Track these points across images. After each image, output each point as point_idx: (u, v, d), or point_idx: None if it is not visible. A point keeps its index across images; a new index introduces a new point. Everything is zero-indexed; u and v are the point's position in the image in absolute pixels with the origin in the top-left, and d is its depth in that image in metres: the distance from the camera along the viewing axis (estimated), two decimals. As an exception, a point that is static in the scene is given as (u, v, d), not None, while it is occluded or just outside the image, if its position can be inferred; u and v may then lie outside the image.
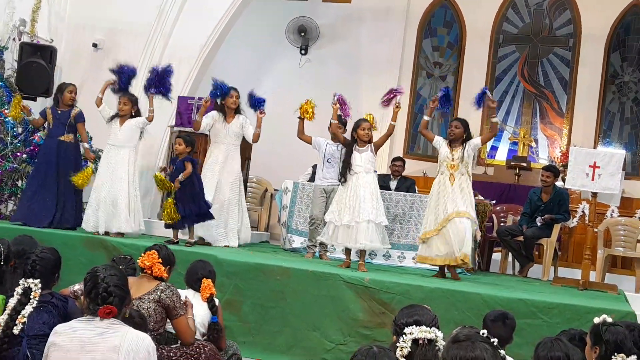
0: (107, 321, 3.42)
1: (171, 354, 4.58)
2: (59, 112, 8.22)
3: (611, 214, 9.57)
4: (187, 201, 7.69)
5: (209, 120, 8.23)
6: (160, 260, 4.68)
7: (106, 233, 7.82)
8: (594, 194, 7.98)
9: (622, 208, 10.03)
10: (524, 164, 12.00)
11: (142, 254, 4.73)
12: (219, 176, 8.17)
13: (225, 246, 8.07)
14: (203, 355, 4.65)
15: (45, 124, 8.38)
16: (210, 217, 7.88)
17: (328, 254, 8.31)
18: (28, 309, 4.11)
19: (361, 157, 7.33)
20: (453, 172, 7.28)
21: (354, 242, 7.19)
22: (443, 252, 7.16)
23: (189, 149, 7.85)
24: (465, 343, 2.93)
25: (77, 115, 8.18)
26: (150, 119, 8.11)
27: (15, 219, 8.18)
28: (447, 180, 7.28)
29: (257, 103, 8.29)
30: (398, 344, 3.40)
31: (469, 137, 7.43)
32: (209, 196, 7.93)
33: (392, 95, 7.72)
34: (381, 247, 7.32)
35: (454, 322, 5.15)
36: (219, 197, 8.13)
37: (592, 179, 7.90)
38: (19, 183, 9.00)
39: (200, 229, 8.06)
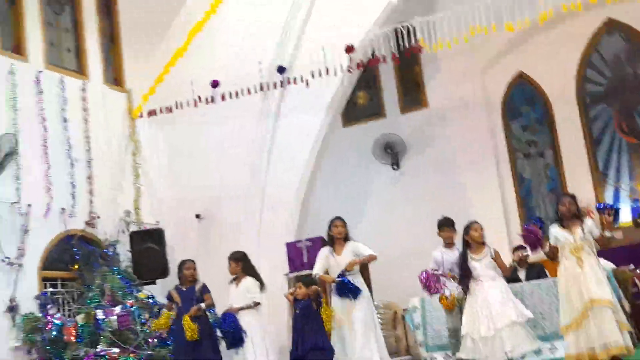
0: None
1: None
2: (184, 289, 8.38)
3: None
4: (311, 339, 7.53)
5: (323, 262, 8.09)
6: None
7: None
8: None
9: None
10: (653, 219, 11.39)
11: None
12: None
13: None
14: None
15: (174, 305, 8.52)
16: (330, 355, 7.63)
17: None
18: None
19: (480, 265, 7.04)
20: (580, 255, 6.79)
21: (502, 354, 6.78)
22: (588, 346, 6.58)
23: (307, 290, 7.81)
24: None
25: (202, 288, 8.33)
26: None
27: None
28: (576, 266, 6.77)
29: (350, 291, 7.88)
30: None
31: (579, 211, 6.94)
32: None
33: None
34: (532, 348, 6.87)
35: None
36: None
37: None
38: (156, 369, 9.10)
39: None
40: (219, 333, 8.59)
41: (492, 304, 6.83)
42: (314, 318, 7.63)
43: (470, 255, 7.19)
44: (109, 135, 10.86)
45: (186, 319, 8.02)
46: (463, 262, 7.17)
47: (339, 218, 8.16)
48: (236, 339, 7.97)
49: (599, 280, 6.68)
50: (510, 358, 6.82)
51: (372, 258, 8.02)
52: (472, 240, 7.18)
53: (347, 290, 7.66)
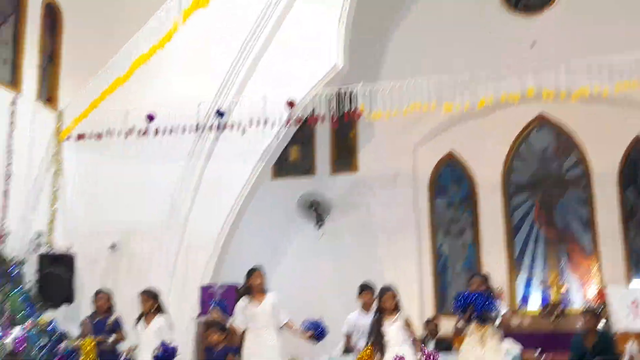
0: None
1: None
2: (95, 321, 8.21)
3: (661, 350, 9.14)
4: None
5: (241, 313, 7.83)
6: None
7: None
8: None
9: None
10: (560, 310, 11.66)
11: None
12: None
13: None
14: None
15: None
16: None
17: None
18: None
19: (391, 330, 7.08)
20: (483, 333, 6.93)
21: None
22: None
23: (223, 337, 7.68)
24: None
25: (113, 323, 8.25)
26: None
27: None
28: (476, 344, 6.91)
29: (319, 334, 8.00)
30: None
31: (490, 291, 7.17)
32: None
33: None
34: None
35: None
36: None
37: (635, 317, 7.67)
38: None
39: None
40: None
41: None
42: None
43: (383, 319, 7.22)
44: (33, 152, 10.56)
45: (91, 345, 7.76)
46: (376, 326, 7.17)
47: (259, 269, 8.04)
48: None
49: None
50: None
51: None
52: (385, 307, 7.23)
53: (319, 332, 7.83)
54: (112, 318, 8.21)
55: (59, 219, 10.67)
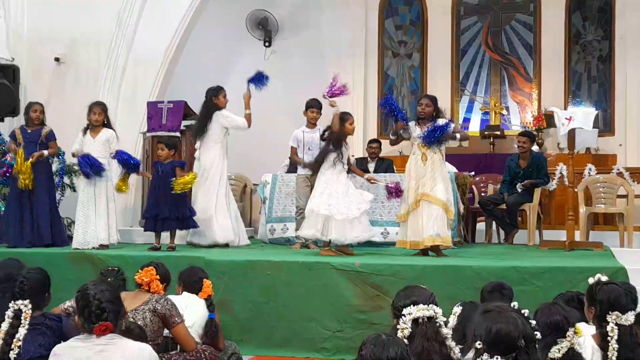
0: (105, 337, 3.38)
1: (173, 361, 4.55)
2: (29, 131, 8.15)
3: (589, 173, 9.68)
4: (172, 205, 7.67)
5: None
6: (158, 277, 4.65)
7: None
8: (572, 154, 8.15)
9: (598, 165, 10.17)
10: (498, 133, 12.09)
11: (140, 270, 4.68)
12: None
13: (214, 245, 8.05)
14: (204, 359, 4.63)
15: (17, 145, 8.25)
16: (194, 225, 7.92)
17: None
18: (22, 331, 4.06)
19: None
20: (425, 152, 7.19)
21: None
22: (414, 236, 7.14)
23: (172, 152, 7.85)
24: (496, 314, 2.97)
25: (48, 134, 8.16)
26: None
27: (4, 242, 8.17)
28: (420, 160, 7.19)
29: (259, 80, 8.34)
30: (398, 326, 3.41)
31: (438, 113, 7.30)
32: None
33: (337, 91, 7.57)
34: (365, 237, 7.33)
35: (450, 298, 5.17)
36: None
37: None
38: (-3, 205, 8.90)
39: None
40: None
41: (338, 193, 7.13)
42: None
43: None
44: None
45: (25, 165, 7.86)
46: (328, 148, 7.29)
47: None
48: (97, 169, 7.80)
49: (436, 179, 7.10)
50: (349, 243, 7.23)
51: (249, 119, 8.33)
52: (346, 133, 7.33)
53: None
54: (47, 129, 8.15)
55: (2, 27, 10.34)
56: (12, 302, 4.15)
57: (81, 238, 7.79)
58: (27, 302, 4.13)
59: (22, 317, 4.09)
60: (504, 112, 12.64)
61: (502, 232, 9.62)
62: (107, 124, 8.04)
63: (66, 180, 9.41)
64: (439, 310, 3.45)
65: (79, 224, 7.87)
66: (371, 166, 9.92)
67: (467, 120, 12.93)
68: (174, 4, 10.26)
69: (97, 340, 3.37)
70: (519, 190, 9.05)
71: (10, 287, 4.34)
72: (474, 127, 12.77)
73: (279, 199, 9.07)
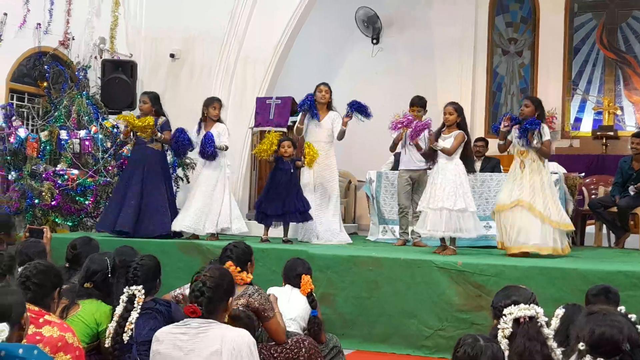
0: (202, 321, 3.48)
1: (272, 351, 4.58)
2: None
3: None
4: (289, 198, 7.82)
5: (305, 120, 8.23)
6: (238, 269, 4.52)
7: (196, 237, 8.02)
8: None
9: None
10: (611, 133, 11.72)
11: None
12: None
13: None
14: (303, 350, 4.65)
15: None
16: (310, 218, 7.99)
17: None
18: (134, 315, 4.27)
19: (444, 145, 7.12)
20: (523, 159, 7.02)
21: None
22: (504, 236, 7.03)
23: (294, 151, 8.01)
24: (601, 316, 2.93)
25: (163, 123, 8.18)
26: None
27: (101, 228, 8.22)
28: (518, 168, 7.04)
29: (360, 111, 8.13)
30: (499, 326, 3.39)
31: (542, 116, 7.09)
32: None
33: (418, 128, 7.44)
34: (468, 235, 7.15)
35: (553, 300, 5.09)
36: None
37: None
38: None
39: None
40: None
41: (444, 185, 7.06)
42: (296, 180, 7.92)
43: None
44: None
45: (146, 121, 7.99)
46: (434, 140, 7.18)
47: (325, 84, 8.24)
48: (184, 146, 8.01)
49: (535, 188, 6.91)
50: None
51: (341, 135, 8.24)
52: (447, 122, 7.23)
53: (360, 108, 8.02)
54: (162, 119, 8.19)
55: (120, 26, 10.82)
56: (127, 287, 4.37)
57: (191, 222, 7.94)
58: (140, 287, 4.34)
59: (135, 302, 4.30)
60: (618, 112, 12.23)
61: (612, 236, 9.32)
62: (220, 119, 8.20)
63: (179, 172, 9.75)
64: (540, 310, 3.41)
65: (193, 209, 7.97)
66: (477, 165, 9.76)
67: (578, 120, 12.57)
68: (284, 2, 10.46)
69: (194, 325, 3.48)
70: (632, 193, 8.74)
71: (125, 273, 4.56)
72: (586, 127, 12.41)
73: (385, 199, 9.01)
